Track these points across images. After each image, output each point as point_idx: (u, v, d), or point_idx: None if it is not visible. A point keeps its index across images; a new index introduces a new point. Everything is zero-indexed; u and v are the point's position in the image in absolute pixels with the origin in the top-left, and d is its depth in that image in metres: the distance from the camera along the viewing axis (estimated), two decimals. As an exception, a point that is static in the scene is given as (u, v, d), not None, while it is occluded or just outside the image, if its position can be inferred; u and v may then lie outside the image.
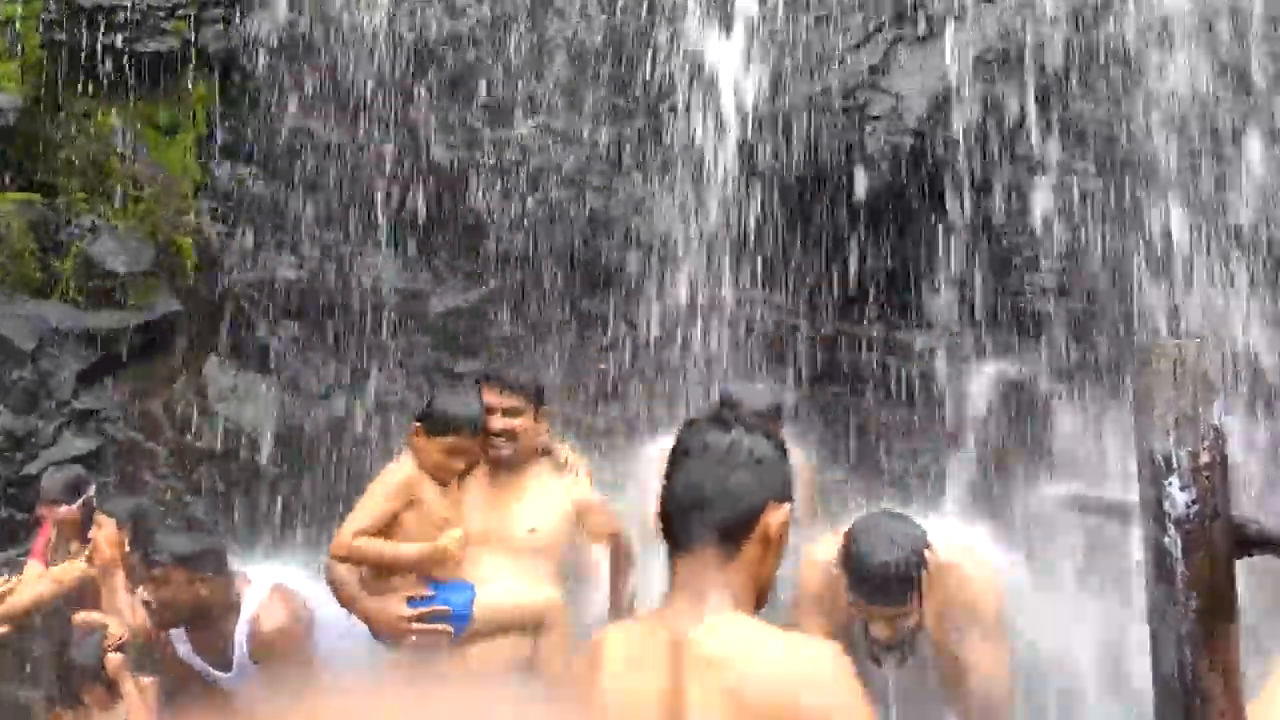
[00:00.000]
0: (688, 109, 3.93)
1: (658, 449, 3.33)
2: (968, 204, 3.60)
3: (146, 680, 3.57)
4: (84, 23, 4.86)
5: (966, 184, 3.60)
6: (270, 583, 3.16)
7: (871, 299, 3.69)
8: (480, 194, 4.46)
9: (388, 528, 2.93)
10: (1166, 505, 1.94)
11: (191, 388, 4.72)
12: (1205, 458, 1.87)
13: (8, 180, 4.93)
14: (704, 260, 3.84)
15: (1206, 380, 1.86)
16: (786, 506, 1.62)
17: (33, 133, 5.01)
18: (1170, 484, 1.90)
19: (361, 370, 4.55)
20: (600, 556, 3.12)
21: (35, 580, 3.77)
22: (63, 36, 4.92)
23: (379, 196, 4.61)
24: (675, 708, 1.54)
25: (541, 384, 3.19)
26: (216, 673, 3.16)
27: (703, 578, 1.58)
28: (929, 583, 2.50)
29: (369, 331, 4.54)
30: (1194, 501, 1.89)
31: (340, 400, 4.56)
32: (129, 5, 4.87)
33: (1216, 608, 1.88)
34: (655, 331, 4.09)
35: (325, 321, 4.62)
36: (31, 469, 4.64)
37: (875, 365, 3.67)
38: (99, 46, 4.87)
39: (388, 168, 4.60)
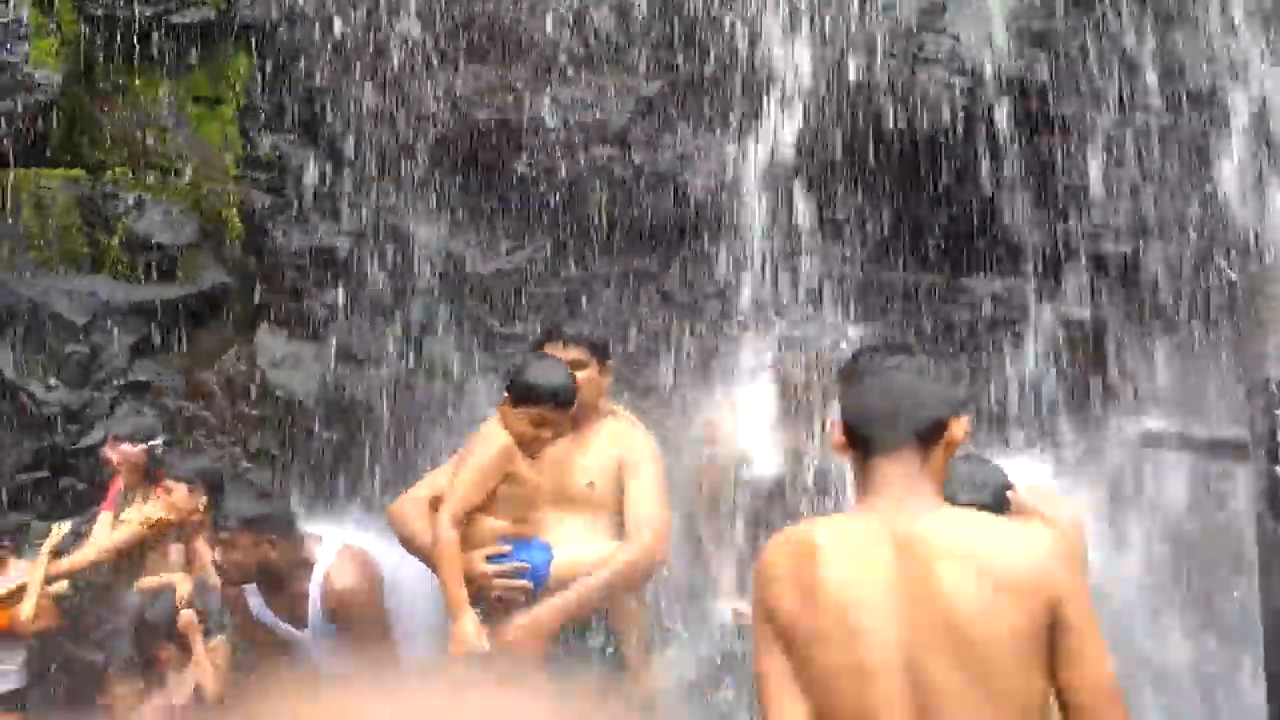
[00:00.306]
0: (737, 58, 3.89)
1: (716, 403, 3.34)
2: (1026, 145, 3.55)
3: (215, 640, 3.65)
4: (121, -4, 4.85)
5: (1025, 125, 3.55)
6: (341, 543, 3.20)
7: (930, 245, 3.65)
8: (523, 154, 4.44)
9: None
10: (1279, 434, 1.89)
11: (243, 357, 4.75)
12: None
13: (50, 157, 4.95)
14: (756, 212, 3.81)
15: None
16: (965, 418, 1.83)
17: (73, 109, 5.02)
18: None
19: (410, 335, 4.55)
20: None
21: (108, 528, 3.86)
22: (99, 11, 4.92)
23: (422, 160, 4.60)
24: (917, 593, 1.69)
25: (605, 338, 3.18)
26: (292, 630, 3.21)
27: (906, 478, 1.77)
28: None
29: (416, 296, 4.55)
30: None
31: (390, 365, 4.58)
32: (164, -24, 4.85)
33: None
34: (708, 288, 4.07)
35: (372, 287, 4.63)
36: (88, 441, 4.71)
37: (934, 312, 3.64)
38: (136, 19, 4.86)
39: (430, 131, 4.59)
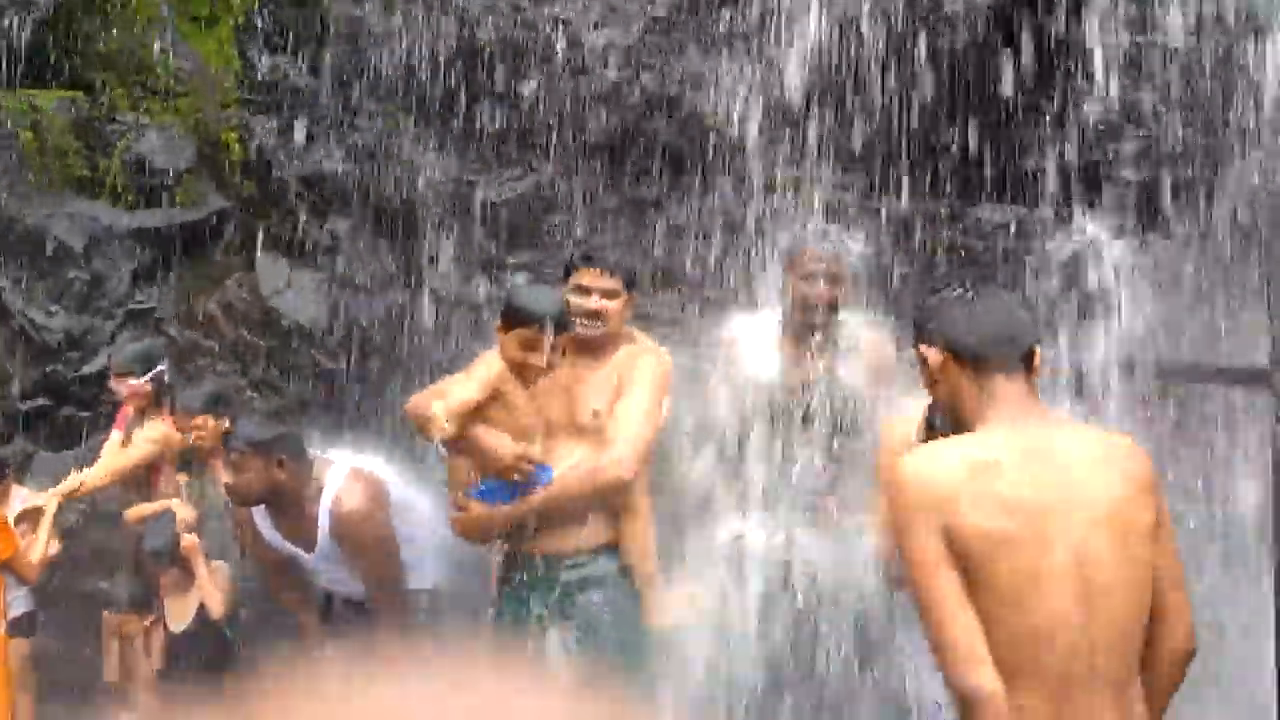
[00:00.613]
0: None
1: (730, 331, 3.27)
2: (1044, 70, 3.43)
3: (216, 563, 3.66)
4: (114, -90, 4.69)
5: (1044, 48, 3.42)
6: (350, 466, 3.18)
7: (945, 173, 3.55)
8: (529, 77, 4.32)
9: (472, 420, 2.90)
10: None
11: (245, 284, 4.69)
12: None
13: (48, 77, 4.85)
14: (769, 138, 3.70)
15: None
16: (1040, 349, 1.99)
17: (70, 28, 4.90)
18: None
19: (414, 262, 4.49)
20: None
21: (118, 448, 3.86)
22: (93, -76, 4.77)
23: (425, 84, 4.48)
24: (1082, 497, 1.83)
25: (634, 268, 3.13)
26: (300, 553, 3.21)
27: (1027, 395, 1.92)
28: None
29: (421, 223, 4.47)
30: None
31: (394, 293, 4.52)
32: (159, -111, 4.69)
33: None
34: (719, 216, 3.98)
35: (375, 214, 4.55)
36: (90, 368, 4.68)
37: (945, 241, 3.56)
38: (131, -66, 4.71)
39: (433, 53, 4.46)
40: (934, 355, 1.97)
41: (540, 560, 2.96)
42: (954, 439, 1.99)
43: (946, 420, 2.09)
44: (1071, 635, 1.81)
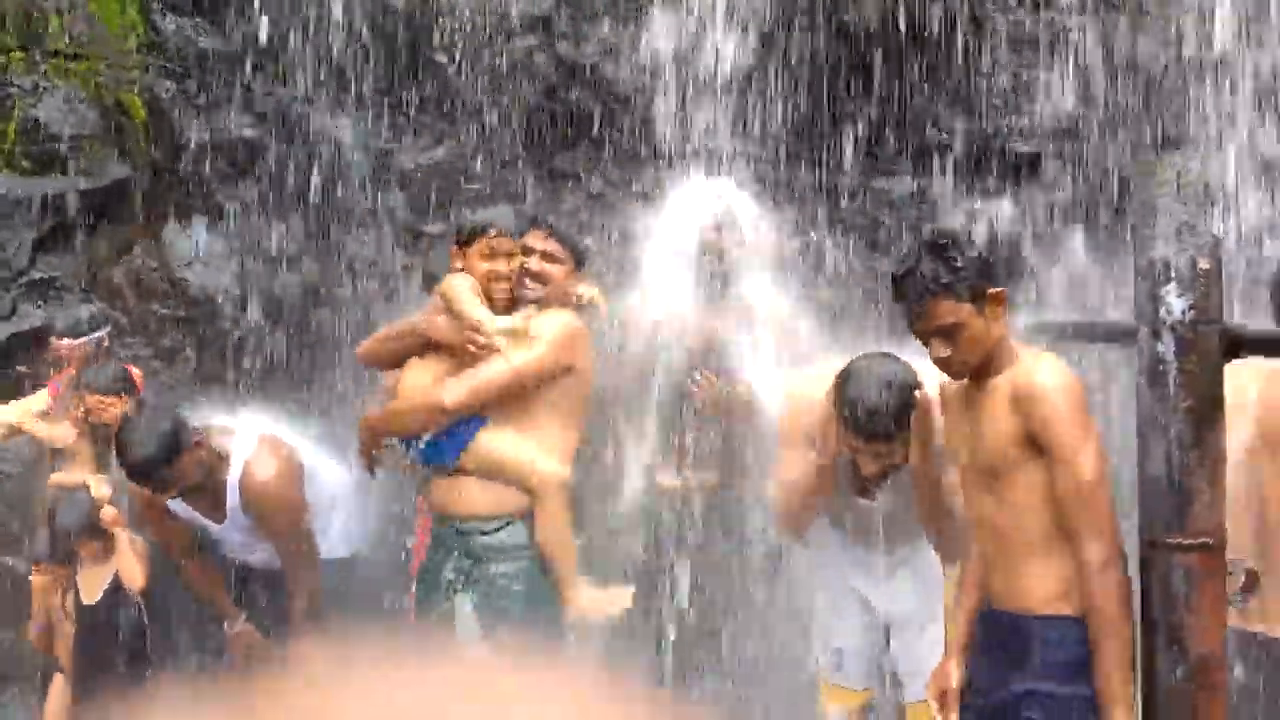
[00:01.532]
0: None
1: (633, 297, 3.32)
2: (956, 46, 3.53)
3: (134, 536, 3.59)
4: None
5: (953, 25, 3.52)
6: (257, 434, 3.15)
7: (852, 146, 3.63)
8: (444, 45, 4.28)
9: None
10: (1163, 312, 1.97)
11: (151, 254, 4.59)
12: (1203, 265, 1.90)
13: (-63, 38, 4.64)
14: (682, 109, 3.74)
15: (1207, 190, 1.87)
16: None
17: (-40, -13, 4.70)
18: (1167, 291, 1.92)
19: (328, 231, 4.44)
20: None
21: (37, 412, 3.77)
22: (-16, -121, 4.56)
23: (337, 50, 4.41)
24: None
25: (587, 248, 3.14)
26: (209, 524, 3.18)
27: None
28: (916, 420, 2.55)
29: (335, 191, 4.41)
30: (1190, 307, 1.92)
31: (308, 262, 4.47)
32: None
33: (1206, 409, 1.94)
34: (635, 185, 4.02)
35: (288, 182, 4.47)
36: (-9, 341, 4.53)
37: (854, 212, 3.64)
38: (25, -111, 4.53)
39: (344, 19, 4.39)
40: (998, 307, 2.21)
41: (454, 527, 2.98)
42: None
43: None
44: None
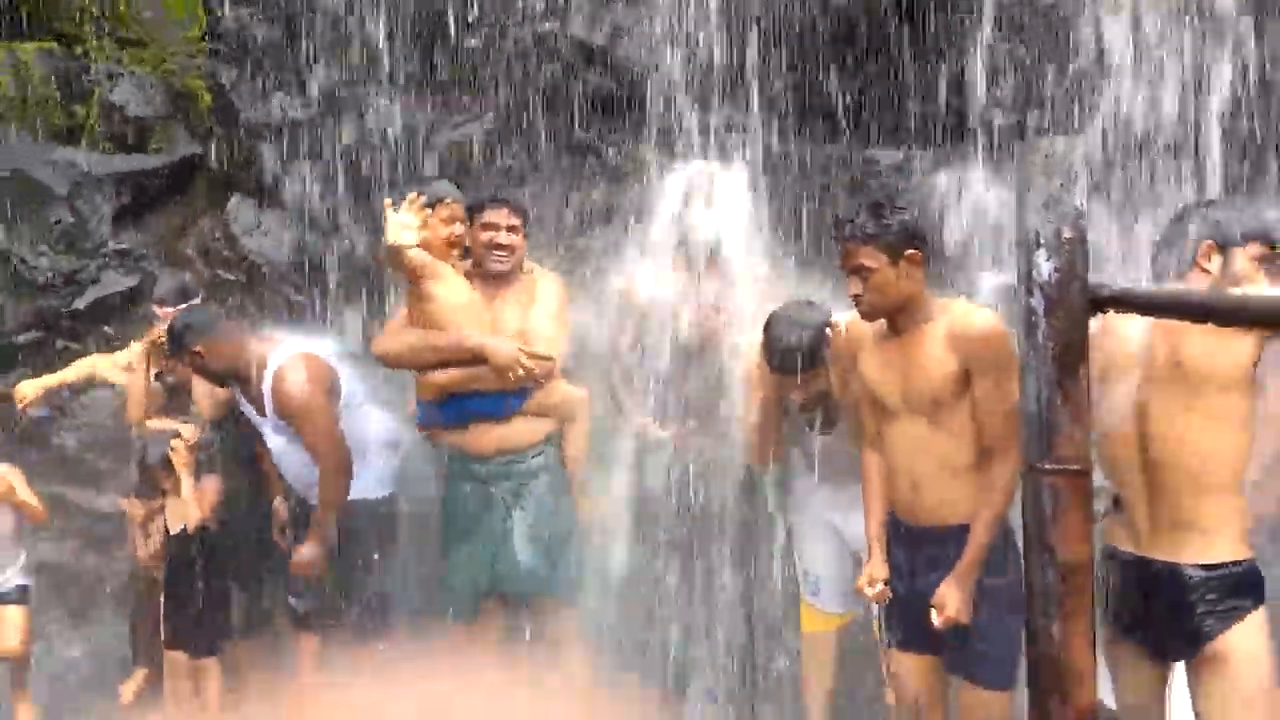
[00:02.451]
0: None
1: (631, 268, 3.69)
2: (929, 25, 3.77)
3: (208, 479, 4.05)
4: None
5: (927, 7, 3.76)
6: (296, 348, 3.55)
7: (843, 120, 3.92)
8: (471, 31, 4.64)
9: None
10: (1034, 273, 2.27)
11: (218, 225, 5.06)
12: (1067, 233, 2.19)
13: (26, 30, 5.13)
14: (685, 86, 4.06)
15: (1071, 170, 2.16)
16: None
17: (44, -18, 5.17)
18: (1038, 255, 2.23)
19: (371, 203, 4.86)
20: None
21: (118, 365, 4.25)
22: (63, -115, 5.01)
23: (378, 36, 4.79)
24: None
25: (527, 208, 3.56)
26: (259, 418, 3.64)
27: None
28: (834, 356, 2.93)
29: (378, 166, 4.83)
30: (1056, 270, 2.22)
31: (354, 232, 4.90)
32: None
33: (1071, 355, 2.24)
34: (647, 156, 4.35)
35: (336, 159, 4.90)
36: (80, 304, 5.07)
37: (846, 182, 3.93)
38: (99, -107, 4.97)
39: (384, 7, 4.77)
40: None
41: (496, 463, 3.44)
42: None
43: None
44: None
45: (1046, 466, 2.22)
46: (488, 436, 3.44)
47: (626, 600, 3.45)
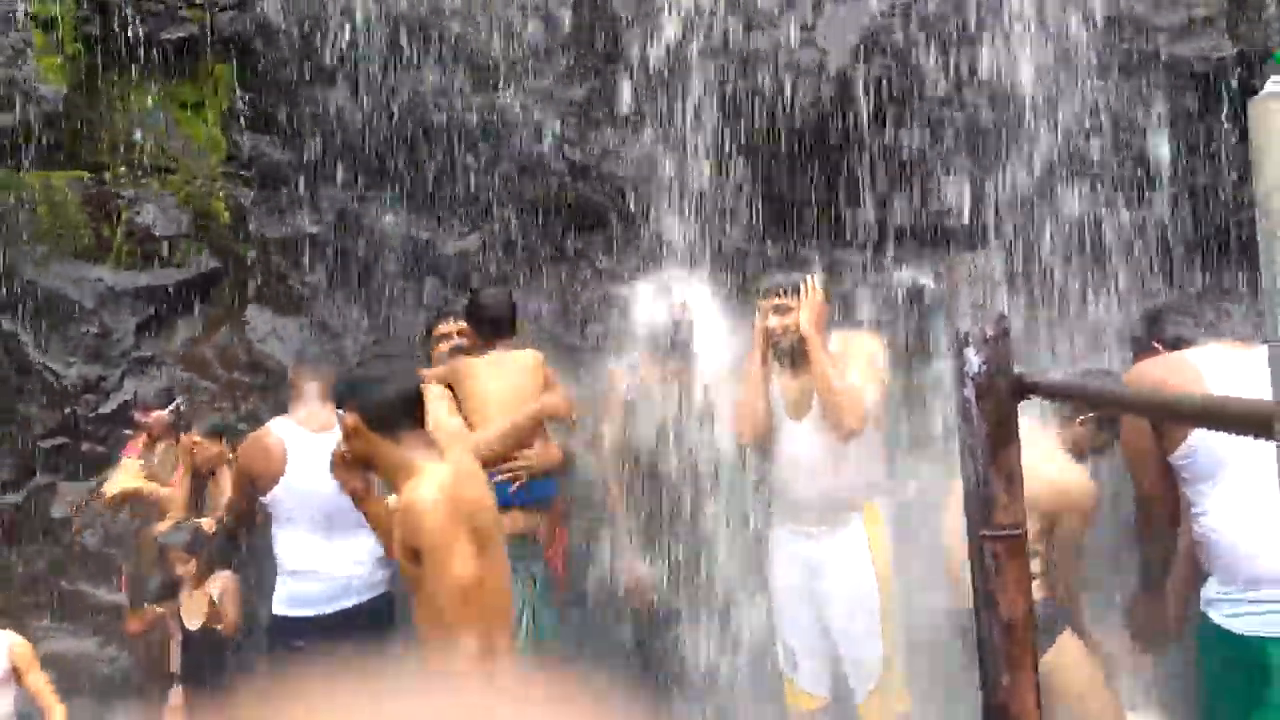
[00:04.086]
0: (643, 68, 4.56)
1: (618, 357, 4.10)
2: (888, 139, 4.24)
3: (224, 575, 4.31)
4: (113, 16, 5.46)
5: (885, 122, 4.23)
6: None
7: (807, 225, 4.36)
8: (471, 151, 5.11)
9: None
10: (965, 367, 2.66)
11: (235, 332, 5.43)
12: (991, 332, 2.59)
13: (59, 160, 5.57)
14: (668, 198, 4.51)
15: (993, 280, 2.58)
16: None
17: (76, 117, 5.64)
18: (968, 352, 2.62)
19: (380, 308, 5.24)
20: None
21: (133, 472, 4.55)
22: (95, 30, 5.53)
23: (385, 157, 5.25)
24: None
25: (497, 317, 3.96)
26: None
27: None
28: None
29: (384, 276, 5.23)
30: (984, 363, 2.60)
31: (361, 336, 5.28)
32: (151, -3, 5.46)
33: (1001, 435, 2.61)
34: (631, 262, 4.77)
35: (346, 269, 5.31)
36: (104, 410, 5.39)
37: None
38: (128, 36, 5.48)
39: (391, 132, 5.24)
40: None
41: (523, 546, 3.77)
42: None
43: None
44: None
45: (986, 533, 2.56)
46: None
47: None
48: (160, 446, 4.60)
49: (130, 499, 4.59)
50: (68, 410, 5.36)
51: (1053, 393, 2.54)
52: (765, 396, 3.44)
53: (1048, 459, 2.98)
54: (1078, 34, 3.71)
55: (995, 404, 2.57)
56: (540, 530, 3.78)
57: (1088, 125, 3.55)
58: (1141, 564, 3.28)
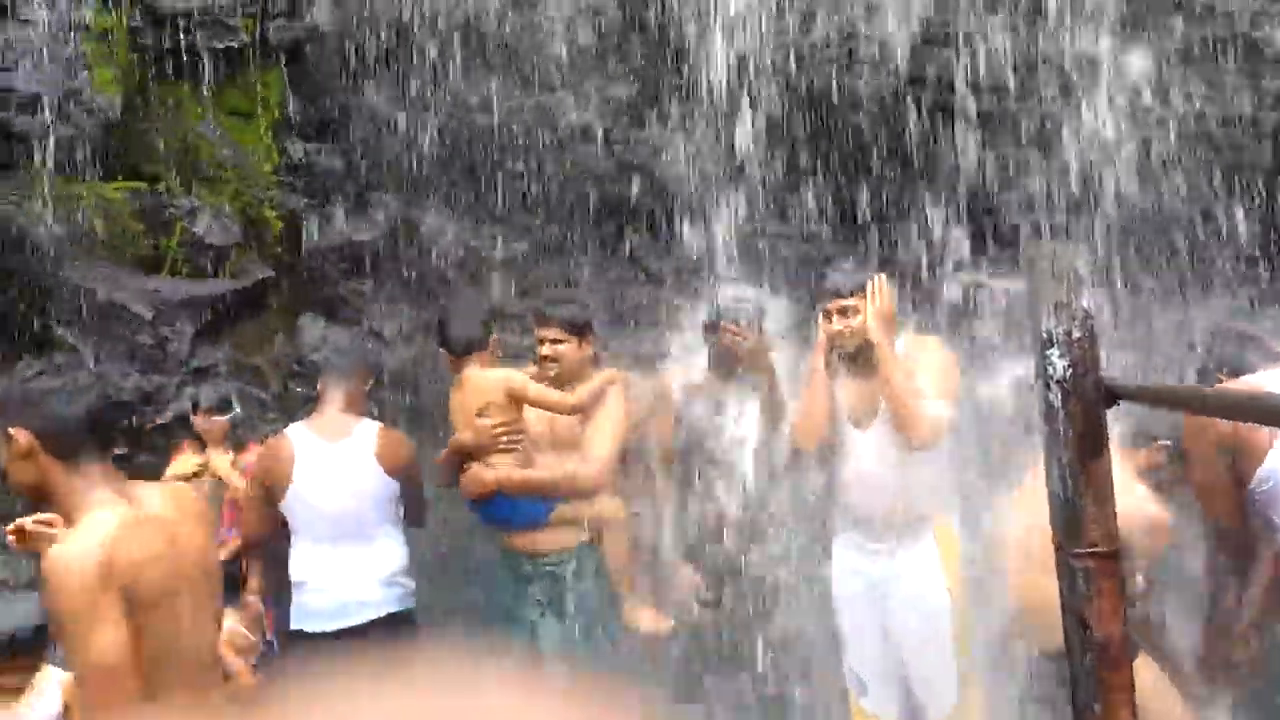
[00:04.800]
0: (694, 64, 4.45)
1: (667, 364, 3.98)
2: (957, 132, 4.08)
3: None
4: (166, 27, 5.49)
5: (951, 116, 4.08)
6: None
7: (869, 225, 4.22)
8: (520, 154, 5.04)
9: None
10: (1049, 370, 2.50)
11: (288, 341, 5.43)
12: (1077, 333, 2.43)
13: (114, 171, 5.63)
14: (718, 196, 4.40)
15: (1076, 274, 2.41)
16: None
17: (131, 128, 5.69)
18: (1051, 353, 2.46)
19: (432, 316, 5.20)
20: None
21: (190, 463, 4.54)
22: (148, 41, 5.56)
23: (435, 162, 5.21)
24: None
25: (579, 318, 3.78)
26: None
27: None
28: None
29: (436, 282, 5.19)
30: (1069, 366, 2.44)
31: (417, 343, 5.24)
32: (202, 8, 5.49)
33: (1089, 444, 2.45)
34: (681, 264, 4.67)
35: (398, 275, 5.28)
36: (160, 420, 5.42)
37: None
38: (180, 47, 5.51)
39: (440, 136, 5.20)
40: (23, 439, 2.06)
41: (536, 562, 3.65)
42: None
43: None
44: None
45: (1077, 550, 2.39)
46: (522, 539, 3.65)
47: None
48: (211, 453, 4.60)
49: (199, 476, 4.59)
50: (125, 421, 5.39)
51: (1147, 399, 2.37)
52: (828, 403, 3.29)
53: (1126, 490, 2.80)
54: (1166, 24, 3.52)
55: (1082, 410, 2.42)
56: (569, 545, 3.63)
57: (1181, 111, 3.36)
58: (1211, 596, 3.12)
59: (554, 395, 3.57)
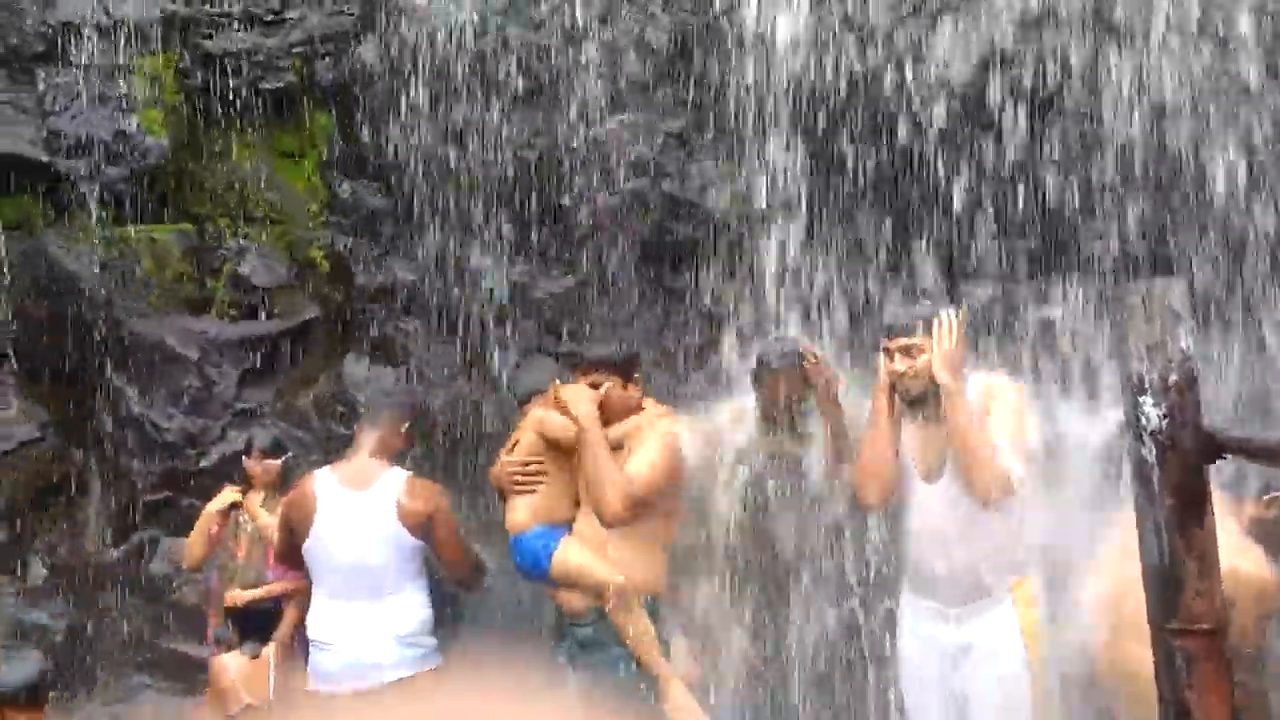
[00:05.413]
0: (747, 94, 4.28)
1: (718, 408, 3.75)
2: (1018, 155, 3.85)
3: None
4: (214, 69, 5.50)
5: (1016, 140, 3.85)
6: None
7: (924, 255, 3.99)
8: (567, 189, 4.92)
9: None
10: (1142, 420, 2.23)
11: (333, 382, 5.35)
12: (1174, 378, 2.16)
13: (162, 212, 5.64)
14: (770, 231, 4.21)
15: (1173, 312, 2.15)
16: None
17: (179, 169, 5.70)
18: (1144, 401, 2.20)
19: (477, 354, 5.07)
20: None
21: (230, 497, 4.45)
22: (196, 82, 5.58)
23: (480, 199, 5.12)
24: None
25: (619, 357, 3.61)
26: None
27: None
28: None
29: (481, 321, 5.06)
30: (1165, 415, 2.17)
31: (462, 382, 5.11)
32: (250, 49, 5.49)
33: (1190, 505, 2.17)
34: (731, 301, 4.48)
35: (443, 315, 5.17)
36: (205, 463, 5.36)
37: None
38: (228, 88, 5.51)
39: (486, 172, 5.10)
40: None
41: (555, 610, 3.50)
42: None
43: None
44: None
45: (1175, 627, 2.11)
46: (552, 590, 3.55)
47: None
48: (257, 497, 4.49)
49: (232, 511, 4.48)
50: (169, 464, 5.34)
51: (1256, 453, 2.11)
52: (892, 451, 3.03)
53: (1240, 551, 2.48)
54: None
55: (1181, 466, 2.15)
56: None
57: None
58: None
59: (564, 420, 3.45)
